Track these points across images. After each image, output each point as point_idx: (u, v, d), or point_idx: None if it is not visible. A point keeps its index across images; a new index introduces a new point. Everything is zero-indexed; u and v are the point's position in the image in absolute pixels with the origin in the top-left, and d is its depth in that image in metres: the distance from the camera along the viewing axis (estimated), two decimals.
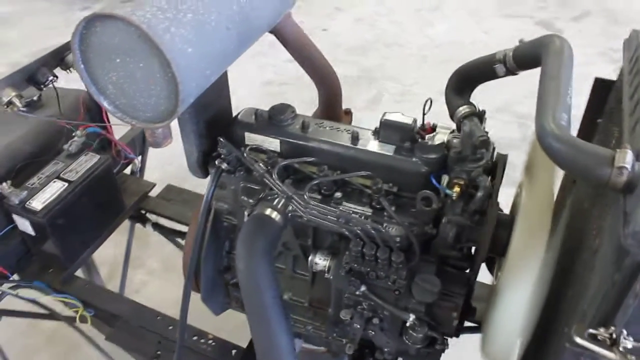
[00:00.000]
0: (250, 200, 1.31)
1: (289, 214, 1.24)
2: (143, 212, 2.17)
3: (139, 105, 1.08)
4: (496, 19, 5.08)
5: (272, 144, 1.34)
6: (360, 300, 1.26)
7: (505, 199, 1.37)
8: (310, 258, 1.33)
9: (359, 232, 1.17)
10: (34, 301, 1.82)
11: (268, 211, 1.21)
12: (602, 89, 1.31)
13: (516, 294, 1.11)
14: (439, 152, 1.24)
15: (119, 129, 2.17)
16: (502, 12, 5.19)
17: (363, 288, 1.22)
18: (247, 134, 1.35)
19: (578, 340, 0.76)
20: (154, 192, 2.17)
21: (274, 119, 1.35)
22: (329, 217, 1.18)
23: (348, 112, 1.59)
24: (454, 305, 1.23)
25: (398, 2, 5.39)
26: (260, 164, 1.26)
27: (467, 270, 1.30)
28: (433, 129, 1.37)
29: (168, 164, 3.19)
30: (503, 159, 1.31)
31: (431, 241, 1.25)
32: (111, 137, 2.02)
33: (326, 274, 1.31)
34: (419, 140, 1.27)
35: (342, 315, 1.27)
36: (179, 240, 2.24)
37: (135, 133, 2.17)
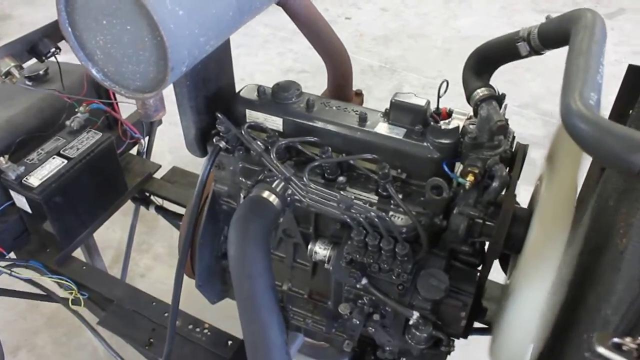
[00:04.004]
0: (248, 182, 1.23)
1: (288, 198, 1.16)
2: (147, 194, 2.11)
3: (127, 72, 1.00)
4: (529, 14, 4.89)
5: (275, 122, 1.25)
6: (361, 294, 1.17)
7: (525, 197, 1.27)
8: (309, 246, 1.25)
9: (361, 219, 1.08)
10: (29, 281, 1.77)
11: (265, 194, 1.13)
12: (636, 77, 1.20)
13: (531, 295, 1.00)
14: (452, 137, 1.14)
15: (126, 109, 2.10)
16: (536, 7, 5.02)
17: (364, 281, 1.13)
18: (248, 112, 1.27)
19: (600, 350, 0.66)
20: (159, 175, 2.11)
21: (278, 96, 1.26)
22: (329, 202, 1.09)
23: (359, 94, 1.50)
24: (462, 304, 1.14)
25: None
26: (259, 143, 1.18)
27: (479, 267, 1.21)
28: (449, 114, 1.27)
29: (182, 148, 3.11)
30: (523, 148, 1.21)
31: (441, 234, 1.15)
32: (116, 116, 1.96)
33: (326, 264, 1.23)
34: (432, 124, 1.17)
35: (341, 309, 1.18)
36: None
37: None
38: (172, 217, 2.12)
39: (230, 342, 1.55)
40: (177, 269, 1.31)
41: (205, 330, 1.57)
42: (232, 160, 1.28)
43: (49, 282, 1.79)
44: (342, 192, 1.15)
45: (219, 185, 1.35)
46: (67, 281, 1.69)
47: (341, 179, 1.17)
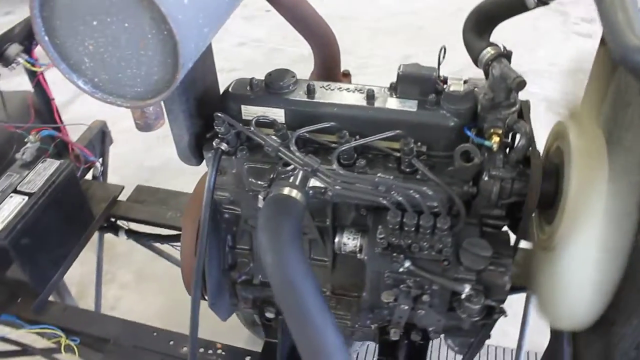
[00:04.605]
0: (261, 182, 1.13)
1: (310, 191, 1.08)
2: (112, 219, 1.94)
3: (125, 78, 0.88)
4: None
5: (275, 115, 1.16)
6: (404, 278, 1.11)
7: None
8: (337, 239, 1.17)
9: (400, 200, 1.01)
10: (3, 339, 1.58)
11: (287, 190, 1.04)
12: None
13: (581, 246, 0.98)
14: (469, 101, 1.10)
15: (74, 132, 1.93)
16: None
17: (407, 264, 1.07)
18: (243, 108, 1.17)
19: None
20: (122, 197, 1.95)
21: (273, 86, 1.17)
22: (362, 187, 1.02)
23: (347, 74, 1.43)
24: (504, 268, 1.10)
25: None
26: (275, 137, 1.08)
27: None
28: (444, 81, 1.23)
29: (124, 167, 2.90)
30: (526, 104, 1.18)
31: (470, 201, 1.11)
32: (67, 140, 1.79)
33: (358, 255, 1.15)
34: (445, 90, 1.12)
35: (384, 297, 1.11)
36: (157, 245, 2.02)
37: (93, 134, 1.93)
38: (146, 239, 1.96)
39: (248, 358, 1.45)
40: (194, 293, 1.19)
41: (219, 351, 1.46)
42: (234, 163, 1.17)
43: (20, 335, 1.61)
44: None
45: (219, 193, 1.24)
46: (51, 329, 1.51)
47: (360, 162, 1.10)
